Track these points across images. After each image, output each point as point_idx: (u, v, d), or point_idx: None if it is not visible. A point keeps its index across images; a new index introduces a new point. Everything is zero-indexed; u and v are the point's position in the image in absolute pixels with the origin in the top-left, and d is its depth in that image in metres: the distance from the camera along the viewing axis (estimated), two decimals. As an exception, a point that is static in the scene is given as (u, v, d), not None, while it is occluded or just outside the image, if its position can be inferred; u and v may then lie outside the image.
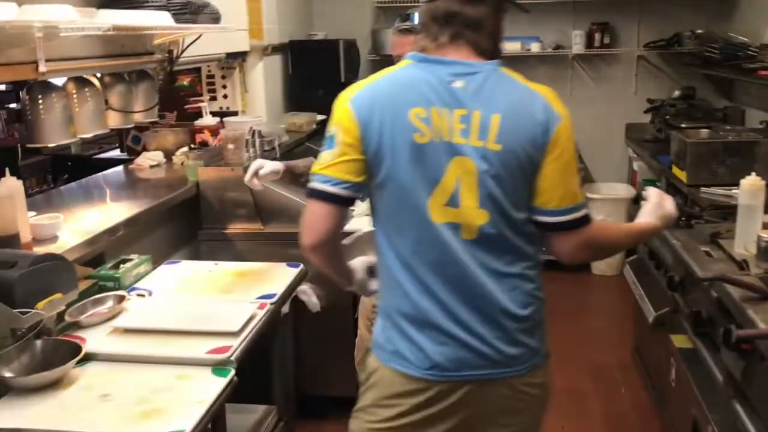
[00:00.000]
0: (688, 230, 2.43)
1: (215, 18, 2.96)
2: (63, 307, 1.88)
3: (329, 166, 1.52)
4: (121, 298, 2.16)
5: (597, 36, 4.96)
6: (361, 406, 1.66)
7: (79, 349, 1.81)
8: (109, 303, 2.16)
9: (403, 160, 1.50)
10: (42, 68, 1.87)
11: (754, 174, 2.15)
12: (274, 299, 2.23)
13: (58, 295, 1.78)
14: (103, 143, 4.83)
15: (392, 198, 1.54)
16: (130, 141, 4.10)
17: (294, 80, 4.75)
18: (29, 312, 1.68)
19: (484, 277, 1.52)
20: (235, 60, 3.93)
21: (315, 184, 1.53)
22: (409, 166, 1.50)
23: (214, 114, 3.89)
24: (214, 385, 1.76)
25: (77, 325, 2.02)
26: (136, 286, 2.35)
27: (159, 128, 3.76)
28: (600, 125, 5.20)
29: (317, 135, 4.25)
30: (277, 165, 2.54)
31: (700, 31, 4.83)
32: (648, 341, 3.07)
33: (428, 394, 1.55)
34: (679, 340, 2.39)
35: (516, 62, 5.21)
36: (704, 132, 3.77)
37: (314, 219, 1.55)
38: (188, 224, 3.17)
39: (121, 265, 2.39)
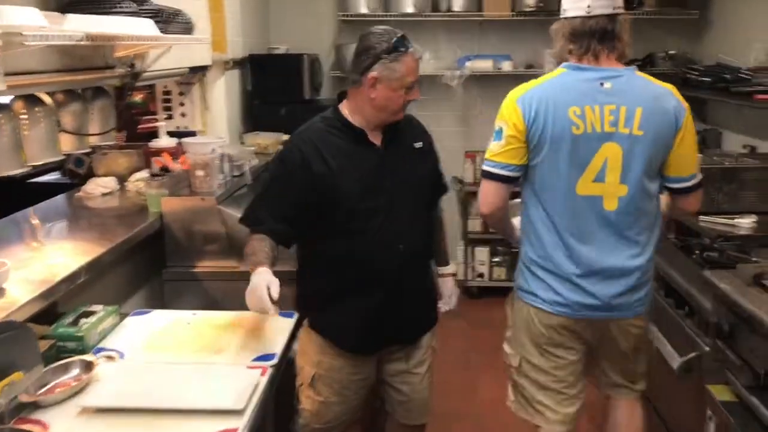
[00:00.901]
0: (731, 270, 2.20)
1: (188, 28, 2.59)
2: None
3: (498, 153, 2.07)
4: (89, 365, 1.77)
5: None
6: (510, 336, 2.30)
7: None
8: (74, 371, 1.77)
9: (561, 147, 2.00)
10: (1, 86, 1.48)
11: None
12: (274, 361, 1.88)
13: (18, 375, 1.40)
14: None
15: (547, 174, 2.04)
16: (73, 163, 3.65)
17: (253, 97, 4.38)
18: (-18, 402, 1.29)
19: (616, 242, 2.05)
20: (194, 75, 3.55)
21: (488, 168, 2.09)
22: (565, 152, 2.00)
23: (171, 134, 3.49)
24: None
25: (35, 405, 1.62)
26: (102, 345, 1.96)
27: (108, 150, 3.34)
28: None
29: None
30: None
31: (673, 51, 4.72)
32: (659, 384, 2.84)
33: (558, 327, 2.13)
34: (720, 392, 2.16)
35: (486, 81, 5.00)
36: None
37: (490, 194, 2.12)
38: (150, 262, 2.77)
39: (83, 320, 1.99)
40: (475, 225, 5.02)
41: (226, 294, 2.74)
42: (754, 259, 2.51)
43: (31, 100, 2.16)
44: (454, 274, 2.50)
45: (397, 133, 2.22)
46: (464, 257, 5.07)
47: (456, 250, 5.08)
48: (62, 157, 2.32)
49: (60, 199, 3.10)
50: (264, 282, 1.94)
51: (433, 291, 2.40)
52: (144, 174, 3.19)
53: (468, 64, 4.82)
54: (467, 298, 5.00)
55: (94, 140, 2.53)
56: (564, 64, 2.06)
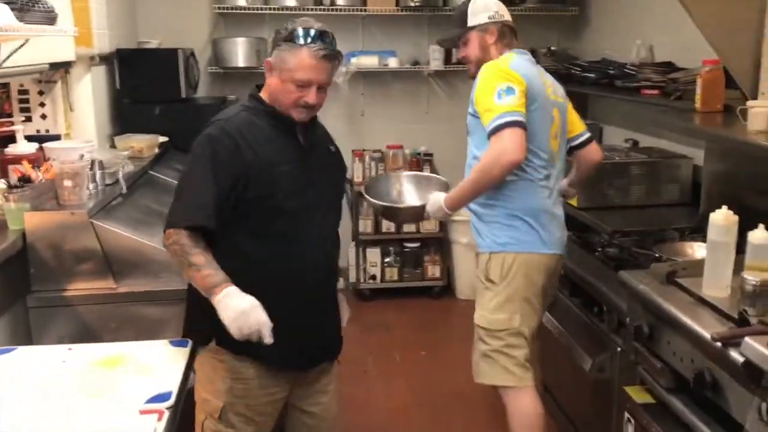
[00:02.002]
0: (644, 270, 2.17)
1: (50, 17, 2.25)
2: None
3: (517, 105, 2.28)
4: (-61, 425, 1.46)
5: (455, 51, 4.74)
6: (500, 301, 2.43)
7: None
8: None
9: (543, 104, 2.41)
10: None
11: (725, 207, 1.93)
12: (171, 401, 1.63)
13: None
14: None
15: (534, 126, 2.36)
16: None
17: (123, 96, 4.00)
18: None
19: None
20: (56, 72, 3.16)
21: (513, 118, 2.26)
22: (544, 110, 2.42)
23: (30, 139, 3.10)
24: None
25: None
26: (-45, 396, 1.63)
27: None
28: (457, 142, 4.97)
29: (161, 160, 3.57)
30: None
31: (554, 48, 4.78)
32: (568, 386, 2.81)
33: (552, 263, 2.47)
34: (638, 394, 2.12)
35: (372, 77, 4.86)
36: (585, 152, 3.63)
37: (520, 140, 2.25)
38: (9, 286, 2.41)
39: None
40: (366, 226, 4.87)
41: (103, 319, 2.44)
42: (657, 254, 2.52)
43: None
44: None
45: (316, 134, 2.11)
46: (356, 259, 4.92)
47: (347, 252, 4.92)
48: None
49: None
50: (257, 304, 1.76)
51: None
52: (0, 185, 2.80)
53: (353, 60, 4.66)
54: (359, 300, 4.86)
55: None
56: (514, 50, 2.49)
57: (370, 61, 4.65)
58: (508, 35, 2.53)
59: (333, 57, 1.96)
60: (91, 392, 1.66)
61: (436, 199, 2.47)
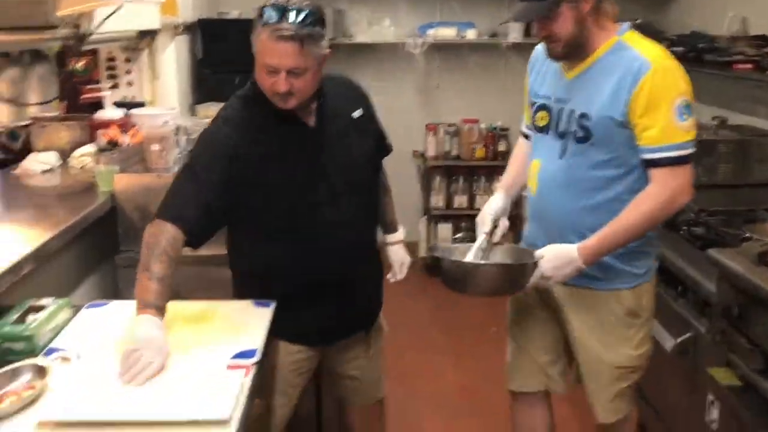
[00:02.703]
0: (735, 249, 2.09)
1: (142, -17, 2.31)
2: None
3: (694, 131, 1.82)
4: (41, 370, 1.53)
5: (535, 24, 4.63)
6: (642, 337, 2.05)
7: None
8: (25, 377, 1.52)
9: None
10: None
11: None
12: (255, 358, 1.66)
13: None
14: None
15: None
16: (6, 137, 3.32)
17: (204, 66, 4.08)
18: None
19: None
20: (142, 40, 3.25)
21: (690, 151, 1.80)
22: None
23: (116, 105, 3.20)
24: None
25: (-17, 420, 1.38)
26: (55, 345, 1.71)
27: (47, 122, 3.03)
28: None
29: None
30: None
31: (639, 20, 4.61)
32: (650, 366, 2.75)
33: None
34: (723, 376, 2.06)
35: (449, 50, 4.81)
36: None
37: (689, 180, 1.82)
38: (99, 247, 2.51)
39: (30, 316, 1.74)
40: (438, 201, 4.86)
41: (187, 280, 2.48)
42: (746, 234, 2.42)
43: (-38, 64, 1.87)
44: (402, 240, 2.29)
45: (332, 106, 1.93)
46: (426, 234, 4.91)
47: (418, 226, 4.91)
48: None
49: (-4, 177, 2.79)
50: (160, 350, 1.59)
51: (381, 270, 2.18)
52: (90, 148, 2.90)
53: (430, 32, 4.62)
54: (429, 275, 4.86)
55: (33, 110, 2.24)
56: (622, 25, 1.91)
57: (447, 33, 4.60)
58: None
59: (292, 38, 1.69)
60: (179, 347, 1.71)
61: (563, 252, 1.85)
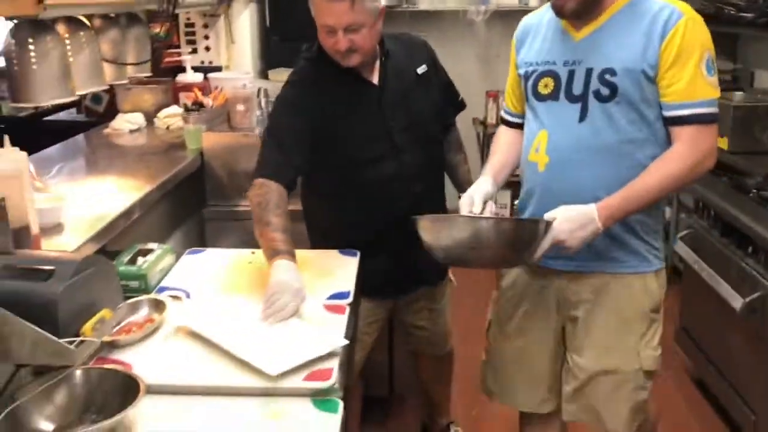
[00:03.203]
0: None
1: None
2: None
3: (719, 90, 1.65)
4: (159, 304, 1.67)
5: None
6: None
7: (133, 383, 1.32)
8: (143, 311, 1.67)
9: None
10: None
11: None
12: (349, 299, 1.78)
13: (106, 313, 1.30)
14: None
15: None
16: (90, 101, 3.51)
17: (272, 33, 4.19)
18: (76, 341, 1.19)
19: None
20: (219, 6, 3.37)
21: (716, 109, 1.64)
22: None
23: (195, 69, 3.34)
24: (323, 425, 1.33)
25: (111, 345, 1.52)
26: (164, 285, 1.86)
27: (132, 85, 3.19)
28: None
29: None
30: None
31: (704, -14, 4.56)
32: (712, 326, 2.80)
33: None
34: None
35: (511, 17, 4.80)
36: (738, 95, 3.51)
37: (716, 143, 1.67)
38: (188, 200, 2.65)
39: (140, 259, 1.89)
40: (497, 167, 4.90)
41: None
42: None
43: (75, 24, 2.01)
44: None
45: (396, 64, 2.01)
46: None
47: (476, 192, 4.97)
48: (106, 87, 2.18)
49: (88, 135, 2.96)
50: (295, 290, 1.68)
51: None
52: (174, 110, 3.05)
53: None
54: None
55: (130, 71, 2.38)
56: None
57: (509, 0, 4.61)
58: None
59: None
60: (278, 288, 1.84)
61: (580, 212, 1.63)
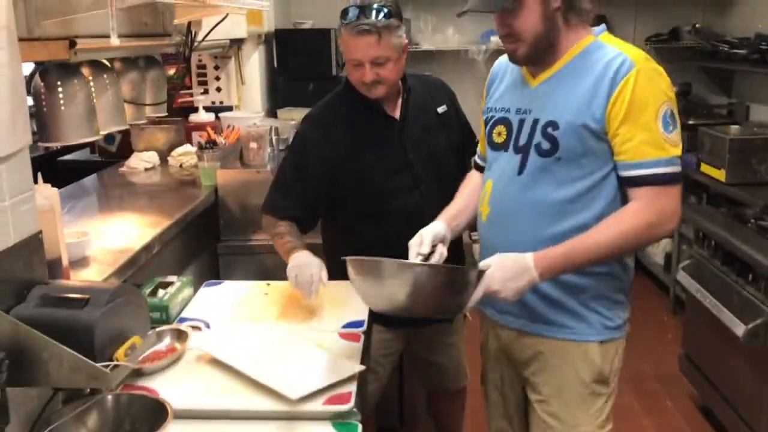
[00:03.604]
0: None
1: (247, -6, 2.54)
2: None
3: (680, 145, 1.53)
4: (181, 334, 1.74)
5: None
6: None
7: (161, 407, 1.39)
8: (166, 340, 1.73)
9: None
10: (115, 40, 1.43)
11: None
12: (363, 327, 1.85)
13: (136, 339, 1.36)
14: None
15: None
16: (103, 140, 3.61)
17: (279, 73, 4.32)
18: (110, 365, 1.26)
19: None
20: (230, 48, 3.49)
21: (677, 169, 1.52)
22: None
23: (206, 109, 3.45)
24: (343, 447, 1.39)
25: (138, 373, 1.58)
26: (184, 315, 1.92)
27: (145, 125, 3.29)
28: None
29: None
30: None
31: (698, 25, 4.70)
32: (716, 352, 2.85)
33: None
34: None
35: (496, 57, 4.94)
36: (734, 129, 3.61)
37: (678, 202, 1.53)
38: (202, 235, 2.73)
39: (161, 291, 1.95)
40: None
41: (282, 267, 2.68)
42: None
43: (97, 67, 2.11)
44: None
45: (417, 101, 2.12)
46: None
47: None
48: (127, 127, 2.27)
49: (105, 173, 3.05)
50: (317, 263, 1.92)
51: (463, 260, 2.32)
52: (186, 148, 3.15)
53: (493, 38, 4.77)
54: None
55: (148, 111, 2.48)
56: (593, 30, 1.63)
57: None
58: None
59: (370, 31, 1.89)
60: (294, 317, 1.91)
61: (515, 261, 1.50)
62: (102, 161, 3.62)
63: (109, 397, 1.41)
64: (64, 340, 1.22)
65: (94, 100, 2.04)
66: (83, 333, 1.24)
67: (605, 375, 1.67)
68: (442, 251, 1.72)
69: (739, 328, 2.49)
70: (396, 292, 1.46)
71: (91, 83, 2.06)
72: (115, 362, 1.28)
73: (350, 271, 1.55)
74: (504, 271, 1.49)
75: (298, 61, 4.31)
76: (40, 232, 1.38)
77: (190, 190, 2.69)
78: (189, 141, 3.28)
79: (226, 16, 2.54)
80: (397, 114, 2.11)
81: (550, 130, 1.56)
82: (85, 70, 2.07)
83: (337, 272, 2.21)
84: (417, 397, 2.71)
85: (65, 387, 1.31)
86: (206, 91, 3.53)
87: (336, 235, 2.20)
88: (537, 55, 1.58)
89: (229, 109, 3.53)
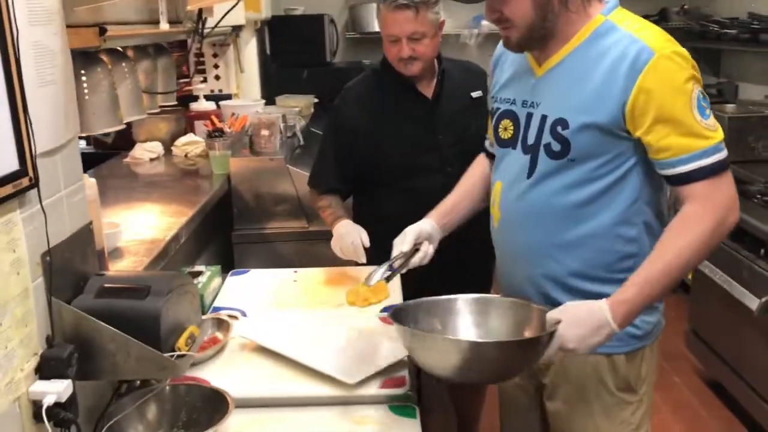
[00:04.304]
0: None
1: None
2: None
3: (720, 129, 1.37)
4: (222, 323, 1.72)
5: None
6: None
7: (220, 397, 1.37)
8: (208, 330, 1.71)
9: None
10: (164, 25, 1.39)
11: None
12: (402, 311, 1.85)
13: (194, 329, 1.34)
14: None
15: None
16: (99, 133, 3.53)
17: (272, 61, 4.27)
18: (176, 355, 1.24)
19: None
20: (229, 36, 3.44)
21: (725, 153, 1.36)
22: None
23: (206, 98, 3.40)
24: (404, 430, 1.39)
25: (185, 362, 1.56)
26: (218, 305, 1.90)
27: (146, 115, 3.22)
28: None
29: (315, 118, 3.81)
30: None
31: (686, 6, 4.76)
32: (727, 327, 2.90)
33: None
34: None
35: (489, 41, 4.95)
36: (730, 107, 3.67)
37: (735, 190, 1.38)
38: (215, 224, 2.69)
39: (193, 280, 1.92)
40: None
41: (297, 254, 2.70)
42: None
43: (115, 56, 2.06)
44: None
45: (451, 83, 2.14)
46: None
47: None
48: (146, 116, 2.23)
49: (109, 165, 3.00)
50: (355, 230, 2.01)
51: (491, 251, 2.31)
52: (191, 137, 3.11)
53: (484, 22, 4.77)
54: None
55: (160, 99, 2.43)
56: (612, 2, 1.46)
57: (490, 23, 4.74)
58: None
59: (408, 6, 1.95)
60: (330, 303, 1.90)
61: (590, 313, 1.32)
62: (99, 153, 3.55)
63: (167, 387, 1.39)
64: (128, 330, 1.20)
65: (116, 89, 2.00)
66: (148, 323, 1.22)
67: (631, 383, 1.54)
68: (426, 250, 1.66)
69: (753, 302, 2.53)
70: (457, 365, 1.29)
71: (113, 72, 2.01)
72: (178, 352, 1.26)
73: (402, 338, 1.39)
74: (579, 327, 1.31)
75: (290, 48, 4.27)
76: (91, 222, 1.35)
77: (199, 180, 2.66)
78: (192, 130, 3.23)
79: (238, 2, 2.49)
80: (430, 94, 2.14)
81: (559, 129, 1.41)
82: (105, 59, 2.02)
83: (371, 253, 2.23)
84: (434, 391, 2.70)
85: (133, 378, 1.29)
86: (205, 80, 3.48)
87: (366, 210, 2.24)
88: (532, 42, 1.43)
89: (228, 97, 3.48)
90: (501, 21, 1.41)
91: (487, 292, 2.34)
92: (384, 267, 1.63)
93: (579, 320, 1.31)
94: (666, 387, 3.21)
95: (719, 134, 1.36)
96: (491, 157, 1.73)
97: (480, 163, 1.82)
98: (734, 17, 4.17)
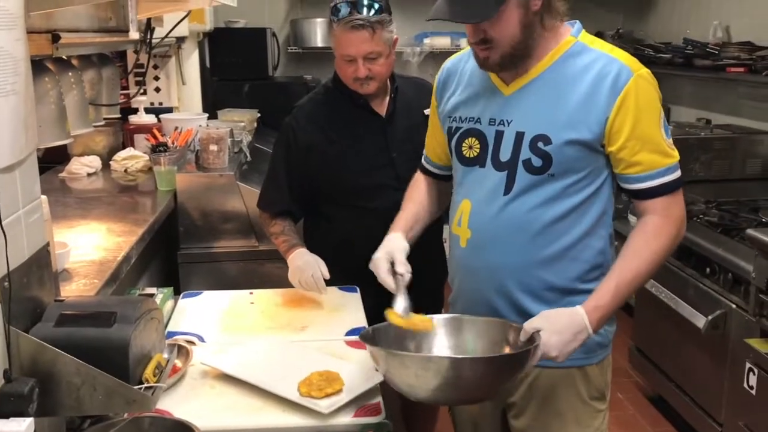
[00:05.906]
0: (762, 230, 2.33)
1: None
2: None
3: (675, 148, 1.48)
4: (180, 349, 1.62)
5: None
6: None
7: (185, 429, 1.28)
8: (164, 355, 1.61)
9: None
10: (134, 34, 1.30)
11: None
12: (367, 334, 1.79)
13: (160, 357, 1.25)
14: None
15: None
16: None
17: (212, 73, 4.16)
18: (145, 387, 1.15)
19: None
20: (170, 47, 3.32)
21: (680, 171, 1.47)
22: None
23: (146, 111, 3.27)
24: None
25: (144, 393, 1.46)
26: (172, 329, 1.80)
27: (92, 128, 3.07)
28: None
29: (258, 134, 3.72)
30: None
31: (621, 29, 4.90)
32: (671, 344, 2.97)
33: None
34: (763, 346, 2.27)
35: (443, 59, 4.96)
36: (667, 129, 3.77)
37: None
38: (159, 243, 2.57)
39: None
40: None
41: (246, 274, 2.60)
42: (763, 219, 2.68)
43: (61, 65, 1.94)
44: None
45: (404, 101, 2.12)
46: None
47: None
48: (92, 129, 2.10)
49: (43, 179, 2.79)
50: (313, 261, 1.96)
51: (445, 268, 2.30)
52: (130, 152, 2.97)
53: (426, 41, 4.80)
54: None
55: (104, 111, 2.31)
56: (570, 25, 1.51)
57: (442, 42, 4.78)
58: None
59: (364, 26, 1.89)
60: (291, 326, 1.83)
61: (568, 320, 1.36)
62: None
63: (128, 421, 1.29)
64: (93, 361, 1.10)
65: (64, 101, 1.88)
66: (115, 353, 1.13)
67: (602, 390, 1.59)
68: (408, 266, 1.55)
69: (700, 320, 2.59)
70: (440, 385, 1.27)
71: (60, 82, 1.89)
72: (146, 383, 1.17)
73: (377, 361, 1.35)
74: (561, 334, 1.34)
75: (231, 61, 4.17)
76: (48, 243, 1.25)
77: (142, 196, 2.53)
78: (131, 144, 3.09)
79: (189, 13, 2.41)
80: (383, 111, 2.10)
81: (540, 144, 1.44)
82: (52, 67, 1.90)
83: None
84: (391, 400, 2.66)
85: (99, 414, 1.18)
86: (144, 92, 3.34)
87: (319, 230, 2.17)
88: (512, 62, 1.45)
89: (169, 110, 3.36)
90: (484, 42, 1.43)
91: (439, 311, 2.32)
92: (402, 296, 1.48)
93: (561, 327, 1.35)
94: (610, 403, 3.25)
95: (677, 154, 1.48)
96: (430, 174, 1.77)
97: (419, 180, 1.81)
98: (667, 42, 4.32)
